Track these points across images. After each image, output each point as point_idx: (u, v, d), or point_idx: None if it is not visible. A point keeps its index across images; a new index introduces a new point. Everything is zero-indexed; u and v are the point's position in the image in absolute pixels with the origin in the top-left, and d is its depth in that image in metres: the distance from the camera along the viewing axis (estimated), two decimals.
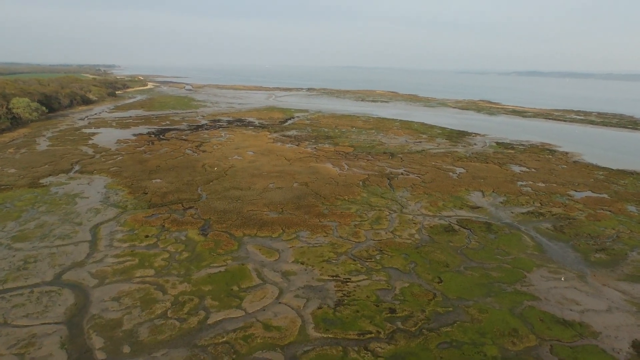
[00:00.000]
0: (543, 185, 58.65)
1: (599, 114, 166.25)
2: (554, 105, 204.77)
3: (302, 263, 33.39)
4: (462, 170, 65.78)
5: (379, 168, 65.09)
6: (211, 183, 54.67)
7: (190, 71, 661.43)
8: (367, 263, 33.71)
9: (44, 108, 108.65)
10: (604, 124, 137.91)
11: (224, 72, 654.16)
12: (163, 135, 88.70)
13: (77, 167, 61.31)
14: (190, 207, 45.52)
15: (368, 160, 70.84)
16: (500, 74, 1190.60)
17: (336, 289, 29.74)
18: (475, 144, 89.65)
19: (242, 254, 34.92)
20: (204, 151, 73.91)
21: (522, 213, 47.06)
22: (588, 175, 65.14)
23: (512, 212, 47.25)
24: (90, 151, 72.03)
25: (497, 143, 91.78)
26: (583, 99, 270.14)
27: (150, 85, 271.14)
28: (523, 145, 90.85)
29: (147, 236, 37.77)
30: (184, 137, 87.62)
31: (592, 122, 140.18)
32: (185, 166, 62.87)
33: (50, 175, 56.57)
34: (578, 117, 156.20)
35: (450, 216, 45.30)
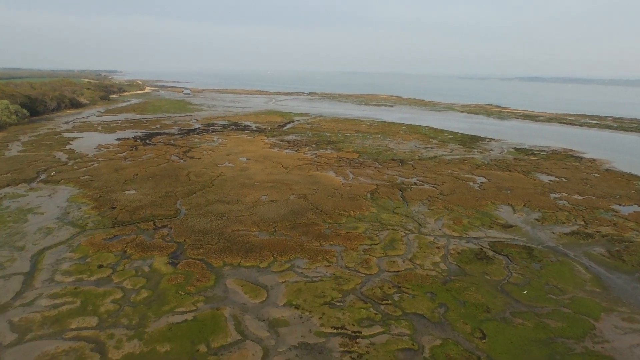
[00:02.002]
0: (580, 197, 50.49)
1: (615, 119, 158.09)
2: (563, 110, 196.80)
3: (297, 307, 25.27)
4: (483, 179, 57.66)
5: (389, 177, 57.04)
6: (194, 195, 46.71)
7: (193, 76, 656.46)
8: (382, 307, 25.57)
9: (25, 111, 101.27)
10: (623, 128, 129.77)
11: (226, 77, 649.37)
12: (149, 140, 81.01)
13: (42, 176, 53.49)
14: (164, 226, 37.52)
15: (375, 168, 62.82)
16: (503, 79, 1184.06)
17: (342, 349, 21.60)
18: (491, 150, 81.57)
19: (219, 292, 26.85)
20: (191, 157, 66.05)
21: (566, 234, 38.86)
22: (627, 186, 56.94)
23: (553, 233, 39.06)
24: (64, 157, 64.27)
25: (516, 149, 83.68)
26: (591, 104, 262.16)
27: (147, 90, 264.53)
28: (544, 151, 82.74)
29: (101, 266, 29.76)
30: (172, 142, 79.86)
31: (609, 127, 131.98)
32: (167, 175, 54.95)
33: (8, 185, 48.76)
34: (593, 121, 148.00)
35: (479, 238, 37.16)
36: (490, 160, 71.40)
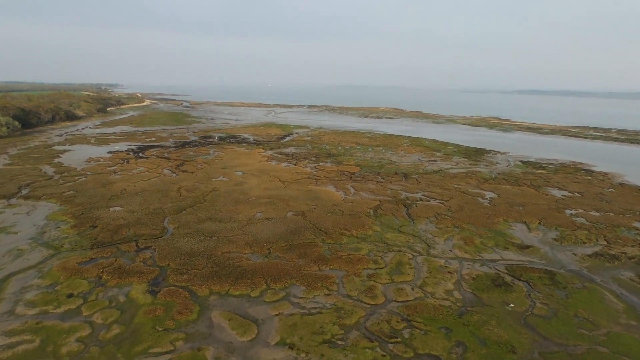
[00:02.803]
0: (598, 214, 47.15)
1: (619, 131, 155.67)
2: (566, 122, 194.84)
3: (292, 347, 21.77)
4: (492, 194, 54.40)
5: (392, 192, 53.80)
6: (183, 212, 43.41)
7: (194, 89, 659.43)
8: (390, 346, 22.06)
9: (16, 123, 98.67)
10: (630, 140, 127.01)
11: (227, 90, 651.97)
12: (142, 153, 78.07)
13: (24, 191, 50.33)
14: (147, 248, 34.12)
15: (378, 182, 59.62)
16: (502, 92, 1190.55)
17: None
18: (498, 163, 78.51)
19: (203, 327, 23.36)
20: (184, 171, 62.93)
21: (588, 255, 35.43)
22: None
23: (574, 254, 35.64)
24: (50, 171, 61.20)
25: (523, 162, 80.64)
26: (593, 116, 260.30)
27: (147, 102, 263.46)
28: (552, 164, 79.66)
29: (70, 295, 26.32)
30: (165, 155, 76.89)
31: (616, 139, 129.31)
32: (157, 190, 51.74)
33: None
34: (598, 133, 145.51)
35: (494, 260, 33.72)
36: (498, 173, 68.25)
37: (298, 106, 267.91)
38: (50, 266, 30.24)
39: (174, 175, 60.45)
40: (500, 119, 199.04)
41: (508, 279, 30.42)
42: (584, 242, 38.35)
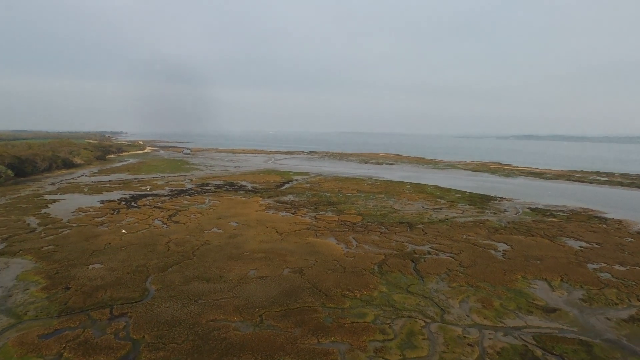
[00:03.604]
0: (623, 269, 43.09)
1: (623, 175, 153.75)
2: (567, 166, 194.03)
3: None
4: (505, 246, 50.57)
5: (398, 244, 50.00)
6: (169, 270, 39.48)
7: (196, 137, 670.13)
8: None
9: (9, 172, 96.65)
10: (636, 185, 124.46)
11: (229, 137, 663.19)
12: (135, 202, 75.00)
13: (1, 246, 46.64)
14: (122, 315, 29.99)
15: (381, 233, 55.93)
16: (499, 137, 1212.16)
17: None
18: (506, 210, 75.11)
19: None
20: (176, 222, 59.48)
21: (624, 320, 31.15)
22: None
23: (607, 319, 31.36)
24: (34, 223, 57.80)
25: (531, 209, 77.26)
26: (592, 160, 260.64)
27: (148, 149, 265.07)
28: (562, 211, 76.24)
29: None
30: (159, 204, 73.78)
31: (621, 184, 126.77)
32: (144, 243, 48.05)
33: None
34: (602, 178, 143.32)
35: (519, 328, 29.42)
36: (508, 222, 64.64)
37: (298, 152, 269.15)
38: (5, 340, 26.05)
39: (165, 226, 56.92)
40: (501, 164, 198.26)
41: (538, 352, 26.07)
42: (616, 304, 34.12)
